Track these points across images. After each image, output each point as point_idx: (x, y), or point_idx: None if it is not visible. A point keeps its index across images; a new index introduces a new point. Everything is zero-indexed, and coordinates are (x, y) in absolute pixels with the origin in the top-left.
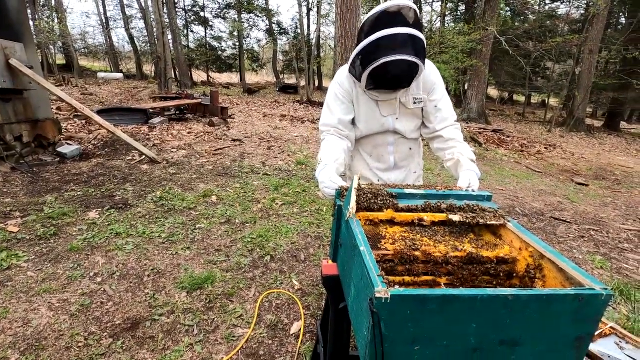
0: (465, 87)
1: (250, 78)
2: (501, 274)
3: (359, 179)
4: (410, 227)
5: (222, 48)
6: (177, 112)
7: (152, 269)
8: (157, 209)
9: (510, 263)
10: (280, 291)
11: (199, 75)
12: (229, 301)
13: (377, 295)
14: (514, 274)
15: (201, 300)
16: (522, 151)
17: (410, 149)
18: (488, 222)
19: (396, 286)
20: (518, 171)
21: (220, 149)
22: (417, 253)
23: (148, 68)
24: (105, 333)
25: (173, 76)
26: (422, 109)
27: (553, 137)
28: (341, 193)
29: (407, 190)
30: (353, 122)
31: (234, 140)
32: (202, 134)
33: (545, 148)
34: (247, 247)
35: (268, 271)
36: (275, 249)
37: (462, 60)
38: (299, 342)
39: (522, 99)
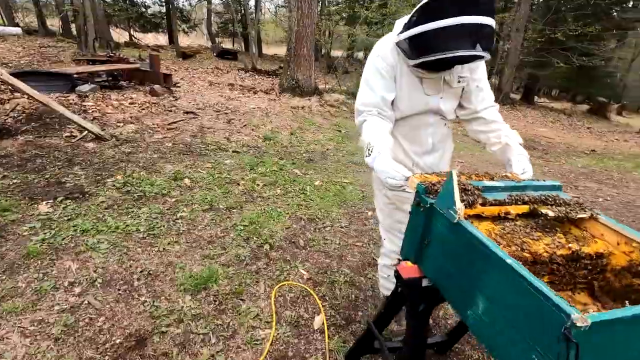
0: None
1: (182, 41)
2: (596, 270)
3: (458, 174)
4: (496, 221)
5: (146, 4)
6: (109, 78)
7: (141, 271)
8: (124, 197)
9: (606, 258)
10: (291, 283)
11: (120, 35)
12: (240, 300)
13: (578, 324)
14: (608, 269)
15: (209, 302)
16: None
17: (447, 130)
18: (581, 216)
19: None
20: (468, 144)
21: (174, 122)
22: (526, 255)
23: (53, 23)
24: (107, 357)
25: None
26: (462, 89)
27: None
28: (428, 188)
29: (487, 183)
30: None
31: (186, 112)
32: (147, 105)
33: None
34: (242, 236)
35: (271, 262)
36: (272, 236)
37: None
38: (326, 338)
39: None
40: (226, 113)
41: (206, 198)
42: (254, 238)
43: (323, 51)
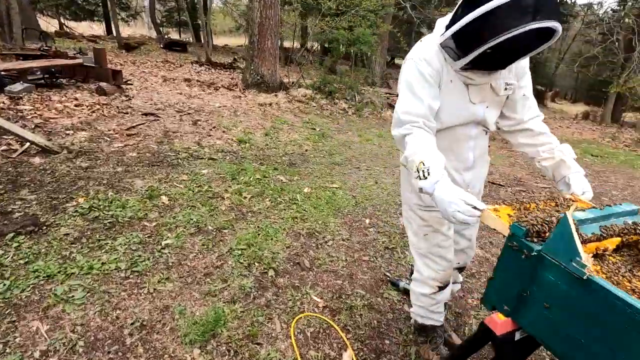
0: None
1: (122, 31)
2: None
3: (574, 209)
4: (595, 259)
5: None
6: (45, 76)
7: (132, 323)
8: (93, 225)
9: None
10: (308, 315)
11: (48, 24)
12: (256, 345)
13: None
14: None
15: (222, 353)
16: None
17: (487, 143)
18: None
19: None
20: None
21: (134, 127)
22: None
23: None
24: None
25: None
26: (506, 98)
27: None
28: (530, 232)
29: (579, 215)
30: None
31: (145, 114)
32: (97, 106)
33: None
34: (241, 262)
35: (280, 291)
36: (274, 258)
37: (379, 25)
38: None
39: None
40: (190, 113)
41: (191, 218)
42: (255, 264)
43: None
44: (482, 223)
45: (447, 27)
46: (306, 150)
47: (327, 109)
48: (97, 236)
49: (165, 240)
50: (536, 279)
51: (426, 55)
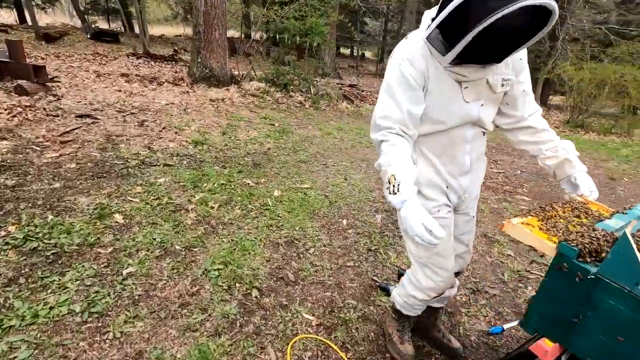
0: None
1: (39, 19)
2: None
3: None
4: None
5: None
6: None
7: None
8: (31, 259)
9: None
10: (303, 337)
11: None
12: None
13: None
14: None
15: None
16: None
17: (484, 145)
18: None
19: None
20: None
21: (68, 132)
22: None
23: None
24: None
25: None
26: (503, 94)
27: None
28: (582, 252)
29: (610, 224)
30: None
31: (80, 116)
32: (18, 109)
33: None
34: (220, 285)
35: (268, 313)
36: (256, 276)
37: (330, 14)
38: None
39: (347, 51)
40: (134, 113)
41: (154, 239)
42: (236, 285)
43: None
44: (505, 232)
45: (434, 19)
46: (269, 149)
47: (283, 103)
48: (39, 273)
49: (127, 268)
50: (591, 303)
51: (409, 55)
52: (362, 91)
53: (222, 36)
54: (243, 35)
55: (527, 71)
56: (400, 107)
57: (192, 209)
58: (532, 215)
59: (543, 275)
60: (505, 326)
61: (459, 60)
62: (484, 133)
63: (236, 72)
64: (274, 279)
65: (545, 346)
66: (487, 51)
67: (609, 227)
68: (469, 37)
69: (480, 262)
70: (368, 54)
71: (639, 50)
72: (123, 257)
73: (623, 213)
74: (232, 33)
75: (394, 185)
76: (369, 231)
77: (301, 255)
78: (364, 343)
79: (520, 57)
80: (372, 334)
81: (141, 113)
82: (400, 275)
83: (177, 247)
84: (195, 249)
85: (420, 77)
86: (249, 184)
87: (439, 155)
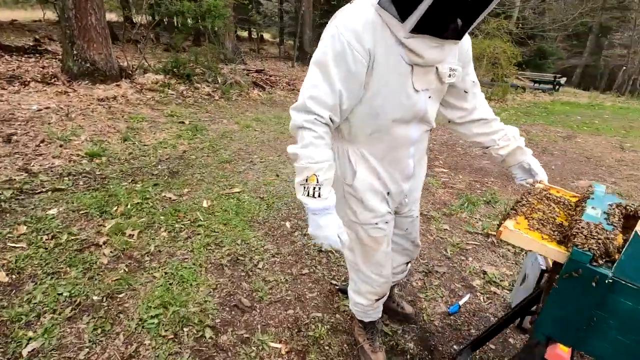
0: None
1: None
2: None
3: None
4: None
5: None
6: None
7: None
8: None
9: None
10: None
11: None
12: None
13: None
14: None
15: None
16: (292, 90)
17: (427, 144)
18: None
19: None
20: None
21: None
22: None
23: None
24: None
25: None
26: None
27: (298, 72)
28: (596, 256)
29: (591, 213)
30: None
31: None
32: None
33: None
34: (163, 335)
35: (229, 354)
36: (205, 311)
37: None
38: None
39: (244, 34)
40: None
41: (59, 294)
42: (184, 329)
43: None
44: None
45: None
46: (184, 152)
47: (189, 96)
48: None
49: (28, 345)
50: (608, 305)
51: (355, 25)
52: (270, 76)
53: (100, 21)
54: (123, 19)
55: (472, 63)
56: (334, 90)
57: (104, 243)
58: (519, 215)
59: (478, 244)
60: (461, 302)
61: (418, 30)
62: (428, 131)
63: (124, 64)
64: (227, 309)
65: (563, 353)
66: (448, 19)
67: (594, 219)
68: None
69: (423, 242)
70: (267, 36)
71: (505, 26)
72: (19, 331)
73: (590, 198)
74: (110, 17)
75: (314, 188)
76: None
77: (251, 273)
78: (342, 357)
79: (466, 48)
80: (345, 345)
81: (6, 124)
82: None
83: (95, 297)
84: (120, 296)
85: (365, 56)
86: (170, 198)
87: (382, 159)
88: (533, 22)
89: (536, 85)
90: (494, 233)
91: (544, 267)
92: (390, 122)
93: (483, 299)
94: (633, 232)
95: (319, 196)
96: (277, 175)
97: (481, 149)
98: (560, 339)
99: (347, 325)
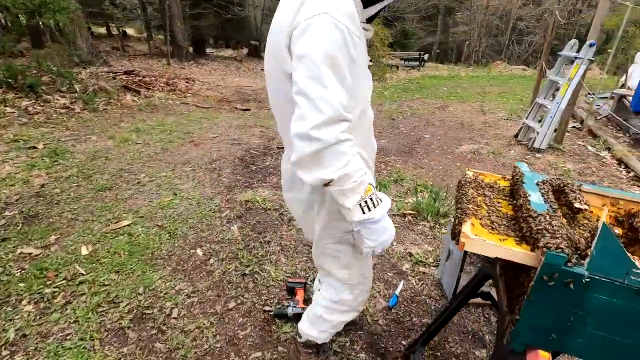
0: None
1: None
2: None
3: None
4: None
5: None
6: None
7: None
8: None
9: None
10: None
11: None
12: None
13: None
14: None
15: None
16: (173, 90)
17: None
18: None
19: None
20: (200, 113)
21: None
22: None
23: None
24: None
25: None
26: None
27: (175, 69)
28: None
29: (536, 200)
30: None
31: None
32: None
33: (187, 83)
34: None
35: None
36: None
37: None
38: None
39: (102, 30)
40: None
41: None
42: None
43: None
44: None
45: None
46: (42, 186)
47: (38, 112)
48: None
49: None
50: (584, 303)
51: (346, 6)
52: (144, 77)
53: None
54: None
55: None
56: (346, 85)
57: (53, 280)
58: (469, 216)
59: (397, 226)
60: (397, 292)
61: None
62: None
63: None
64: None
65: (540, 357)
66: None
67: (541, 207)
68: None
69: None
70: (130, 31)
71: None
72: None
73: (523, 182)
74: None
75: (372, 199)
76: (232, 250)
77: (164, 328)
78: None
79: None
80: None
81: None
82: (290, 289)
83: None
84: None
85: (361, 37)
86: (31, 254)
87: (365, 144)
88: (395, 6)
89: (406, 62)
90: (410, 212)
91: None
92: (367, 101)
93: (415, 281)
94: (600, 225)
95: (380, 202)
96: (175, 194)
97: None
98: (541, 345)
99: (292, 353)
